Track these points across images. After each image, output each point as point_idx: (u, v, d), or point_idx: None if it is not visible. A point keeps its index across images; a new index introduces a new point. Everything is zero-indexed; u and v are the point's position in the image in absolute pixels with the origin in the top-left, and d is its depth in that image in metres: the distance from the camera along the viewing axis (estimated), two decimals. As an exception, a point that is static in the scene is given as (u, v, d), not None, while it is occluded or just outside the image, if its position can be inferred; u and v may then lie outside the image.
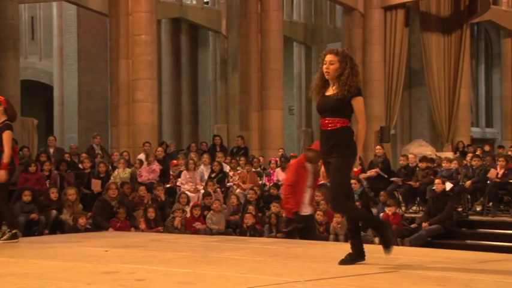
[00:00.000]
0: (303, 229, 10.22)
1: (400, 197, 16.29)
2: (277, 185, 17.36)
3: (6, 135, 10.05)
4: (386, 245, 6.99)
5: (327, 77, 6.67)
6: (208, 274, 6.51)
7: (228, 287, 5.87)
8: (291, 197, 10.23)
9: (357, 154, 6.80)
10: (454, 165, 18.29)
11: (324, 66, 6.60)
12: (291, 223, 10.62)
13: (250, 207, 16.02)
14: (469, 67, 28.35)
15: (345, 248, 11.06)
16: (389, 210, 15.37)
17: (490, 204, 17.00)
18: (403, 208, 15.99)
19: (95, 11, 24.64)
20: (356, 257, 7.01)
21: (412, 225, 15.41)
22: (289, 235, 10.73)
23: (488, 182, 17.13)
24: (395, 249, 9.56)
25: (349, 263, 6.91)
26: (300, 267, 6.78)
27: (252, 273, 6.41)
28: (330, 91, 6.64)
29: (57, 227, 14.66)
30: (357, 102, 6.62)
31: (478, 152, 19.92)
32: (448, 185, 16.16)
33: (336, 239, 14.88)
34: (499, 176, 17.18)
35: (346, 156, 6.65)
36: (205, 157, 18.83)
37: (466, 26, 27.19)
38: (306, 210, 10.26)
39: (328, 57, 6.55)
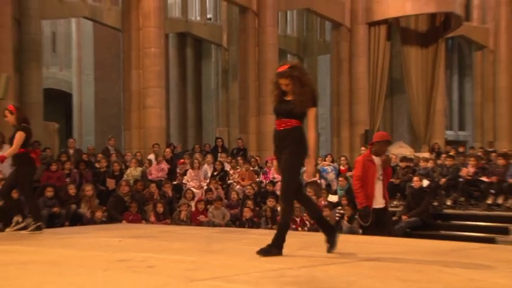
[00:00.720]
0: (377, 223, 9.84)
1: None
2: (272, 182, 17.38)
3: (19, 134, 10.28)
4: (263, 250, 6.78)
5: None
6: (211, 262, 6.55)
7: (230, 274, 5.90)
8: (360, 191, 9.87)
9: (310, 155, 6.83)
10: (430, 164, 18.34)
11: (283, 88, 6.66)
12: (369, 215, 9.99)
13: (249, 202, 16.05)
14: (444, 77, 28.37)
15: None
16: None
17: (462, 199, 17.06)
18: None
19: (109, 27, 24.65)
20: (331, 236, 7.02)
21: (393, 218, 15.43)
22: (366, 230, 10.19)
23: (461, 179, 17.20)
24: (379, 238, 9.60)
25: (333, 245, 6.95)
26: (292, 256, 6.81)
27: (251, 261, 6.44)
28: (289, 97, 6.67)
29: (76, 220, 14.69)
30: (311, 113, 6.70)
31: (451, 153, 19.94)
32: (425, 182, 16.21)
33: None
34: (470, 174, 17.26)
35: (298, 153, 6.69)
36: (209, 157, 18.85)
37: (441, 40, 27.25)
38: (377, 204, 9.90)
39: (282, 81, 6.63)
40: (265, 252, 6.65)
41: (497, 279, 5.48)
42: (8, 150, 10.39)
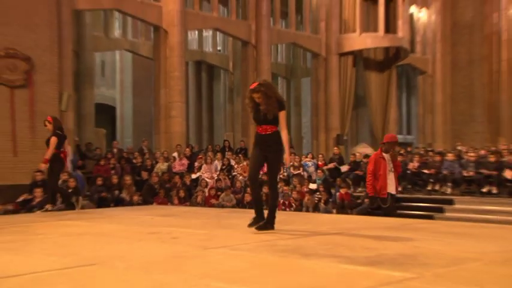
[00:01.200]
0: (387, 208, 9.72)
1: (350, 182, 16.27)
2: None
3: (53, 139, 10.41)
4: (260, 227, 6.69)
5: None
6: (220, 234, 6.56)
7: (234, 243, 5.90)
8: (370, 184, 9.81)
9: (286, 149, 6.81)
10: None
11: (256, 100, 6.65)
12: (374, 202, 10.03)
13: (249, 189, 16.06)
14: (395, 94, 28.35)
15: (310, 216, 11.07)
16: (343, 191, 15.38)
17: (409, 186, 17.08)
18: (352, 189, 15.96)
19: (144, 57, 24.63)
20: (259, 220, 6.81)
21: (358, 201, 15.41)
22: (386, 210, 9.96)
23: (408, 171, 17.20)
24: (346, 216, 9.59)
25: (262, 228, 6.73)
26: (282, 230, 6.81)
27: (250, 234, 6.44)
28: (262, 107, 6.63)
29: (119, 202, 14.68)
30: (281, 115, 6.66)
31: (401, 152, 19.93)
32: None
33: (307, 211, 14.92)
34: (415, 167, 17.26)
35: (280, 151, 6.73)
36: (218, 155, 18.80)
37: (393, 67, 27.25)
38: (391, 190, 9.76)
39: (254, 95, 6.61)
40: (262, 228, 6.62)
41: (434, 246, 5.49)
42: (47, 153, 10.35)
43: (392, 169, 9.68)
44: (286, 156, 6.92)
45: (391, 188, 9.73)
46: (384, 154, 9.61)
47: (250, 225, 6.77)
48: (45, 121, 10.88)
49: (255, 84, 6.81)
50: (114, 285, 3.85)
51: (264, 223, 6.70)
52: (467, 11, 31.13)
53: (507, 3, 30.37)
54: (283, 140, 6.74)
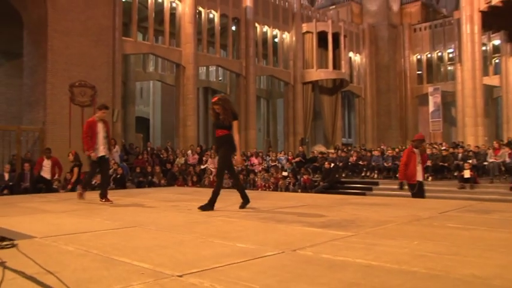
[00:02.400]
0: (415, 193, 8.77)
1: (310, 171, 16.30)
2: (252, 166, 17.37)
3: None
4: (201, 207, 6.10)
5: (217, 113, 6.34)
6: (221, 207, 6.52)
7: (230, 214, 5.89)
8: (402, 172, 8.94)
9: (237, 150, 6.36)
10: (333, 155, 18.42)
11: (216, 110, 6.29)
12: (402, 186, 8.96)
13: (240, 176, 16.03)
14: (341, 111, 28.47)
15: (282, 194, 11.03)
16: (305, 177, 15.43)
17: (350, 173, 17.14)
18: (311, 176, 15.99)
19: (169, 84, 24.55)
20: (244, 202, 6.44)
21: (315, 184, 15.45)
22: (414, 195, 9.35)
23: (349, 163, 17.25)
24: (307, 194, 9.57)
25: (244, 206, 6.38)
26: (262, 203, 6.79)
27: (242, 208, 6.43)
28: (220, 116, 6.25)
29: (151, 184, 14.62)
30: (234, 124, 6.27)
31: (345, 149, 19.99)
32: (332, 164, 16.25)
33: (281, 190, 14.89)
34: (353, 160, 17.33)
35: (229, 150, 6.28)
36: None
37: (339, 92, 27.45)
38: (419, 178, 8.85)
39: (215, 107, 6.28)
40: (203, 208, 6.04)
41: (365, 213, 5.50)
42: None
43: (421, 161, 8.96)
44: (238, 157, 6.54)
45: (420, 176, 8.97)
46: (414, 149, 8.91)
47: (241, 207, 6.36)
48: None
49: (215, 99, 6.49)
50: (148, 241, 3.84)
51: (205, 204, 6.11)
52: (385, 57, 31.48)
53: (409, 53, 31.58)
54: (235, 142, 6.31)
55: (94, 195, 8.44)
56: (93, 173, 8.23)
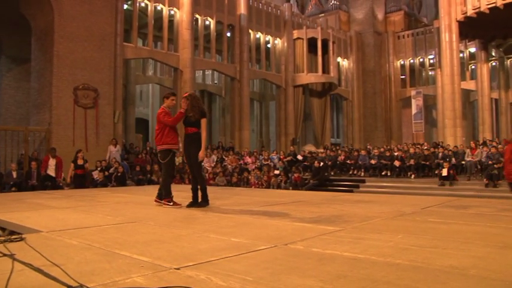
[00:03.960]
0: None
1: (301, 169, 16.31)
2: (246, 164, 17.36)
3: None
4: (197, 204, 5.96)
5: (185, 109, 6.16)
6: (217, 201, 6.50)
7: (227, 207, 5.88)
8: (508, 171, 8.27)
9: (203, 147, 6.03)
10: (323, 154, 18.42)
11: (183, 105, 6.15)
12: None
13: (235, 174, 16.01)
14: (330, 113, 28.49)
15: (274, 191, 11.02)
16: (296, 175, 15.43)
17: (338, 172, 17.15)
18: (302, 174, 16.00)
19: (167, 87, 24.39)
20: (203, 202, 6.03)
21: (305, 181, 15.46)
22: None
23: (338, 162, 17.28)
24: (298, 192, 9.56)
25: (200, 205, 5.98)
26: (255, 200, 6.78)
27: (238, 202, 6.41)
28: (189, 114, 6.08)
29: (150, 182, 14.56)
30: (202, 121, 6.05)
31: (333, 149, 20.03)
32: (321, 163, 16.26)
33: (273, 188, 14.88)
34: (342, 159, 17.36)
35: (198, 148, 5.96)
36: (215, 151, 18.76)
37: (328, 95, 27.42)
38: None
39: (183, 101, 6.14)
40: (199, 205, 5.91)
41: (353, 209, 5.52)
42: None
43: None
44: (202, 152, 6.07)
45: None
46: None
47: (187, 206, 6.01)
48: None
49: (186, 94, 6.31)
50: (147, 235, 3.83)
51: (200, 202, 5.97)
52: (370, 62, 31.53)
53: (393, 59, 31.56)
54: (203, 140, 6.05)
55: (94, 191, 8.40)
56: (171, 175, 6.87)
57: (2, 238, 3.55)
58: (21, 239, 3.55)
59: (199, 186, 6.09)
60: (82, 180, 12.60)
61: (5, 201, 7.20)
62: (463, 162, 15.06)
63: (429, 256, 2.92)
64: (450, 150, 16.66)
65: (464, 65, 28.39)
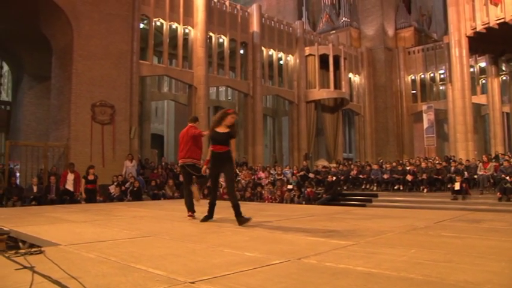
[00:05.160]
0: None
1: (313, 184, 16.18)
2: (259, 179, 17.30)
3: None
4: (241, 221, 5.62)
5: (229, 124, 5.77)
6: (229, 218, 6.49)
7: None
8: None
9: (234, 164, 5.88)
10: (335, 169, 18.29)
11: (231, 118, 5.74)
12: None
13: (248, 189, 15.95)
14: (342, 128, 28.35)
15: (288, 206, 10.94)
16: (309, 189, 15.32)
17: (351, 186, 17.01)
18: (315, 188, 15.88)
19: (182, 104, 24.61)
20: (209, 217, 6.08)
21: (318, 196, 15.34)
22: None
23: (350, 176, 17.15)
24: (311, 206, 9.47)
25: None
26: (268, 215, 6.76)
27: (249, 216, 6.40)
28: (220, 129, 5.75)
29: (165, 197, 14.58)
30: (233, 142, 5.78)
31: (346, 164, 19.87)
32: (334, 178, 16.09)
33: (286, 202, 14.80)
34: (354, 174, 17.22)
35: (232, 165, 5.75)
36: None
37: (340, 110, 27.29)
38: None
39: (233, 116, 5.78)
40: (242, 221, 5.54)
41: (366, 224, 5.46)
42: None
43: None
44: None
45: None
46: None
47: (202, 220, 5.98)
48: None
49: (232, 110, 5.93)
50: (162, 249, 3.83)
51: (243, 217, 5.59)
52: (382, 78, 31.43)
53: (404, 74, 31.39)
54: (233, 157, 5.82)
55: (111, 205, 8.45)
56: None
57: (23, 251, 3.60)
58: (41, 252, 3.58)
59: (231, 204, 5.74)
60: (92, 195, 12.74)
61: (25, 215, 7.28)
62: (476, 176, 14.84)
63: (443, 271, 2.87)
64: (462, 164, 16.43)
65: (475, 80, 28.15)
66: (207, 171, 6.16)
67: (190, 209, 6.61)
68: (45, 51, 17.60)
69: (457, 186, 13.73)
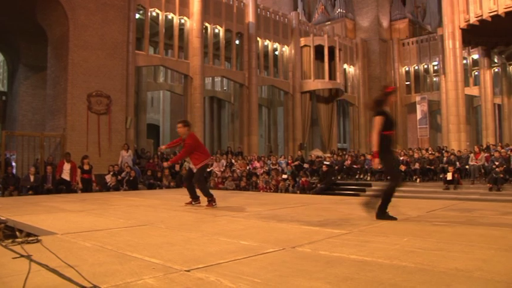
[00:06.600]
0: None
1: (308, 173, 16.22)
2: (254, 169, 17.32)
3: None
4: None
5: (390, 104, 4.95)
6: (225, 207, 6.50)
7: (234, 213, 5.87)
8: None
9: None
10: (329, 159, 18.31)
11: (395, 98, 4.75)
12: None
13: (243, 178, 15.97)
14: (336, 118, 28.37)
15: (282, 195, 10.98)
16: (303, 179, 15.35)
17: (345, 175, 17.05)
18: (309, 178, 15.91)
19: (178, 94, 24.50)
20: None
21: (313, 185, 15.37)
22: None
23: (344, 166, 17.18)
24: (305, 195, 9.50)
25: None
26: (264, 204, 6.77)
27: (246, 208, 6.41)
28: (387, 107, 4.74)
29: (161, 186, 14.58)
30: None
31: (340, 154, 19.90)
32: (328, 168, 16.09)
33: (281, 192, 14.84)
34: (348, 163, 17.25)
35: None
36: (224, 156, 18.75)
37: (335, 101, 27.29)
38: None
39: (395, 96, 4.39)
40: (379, 216, 4.74)
41: (359, 213, 5.49)
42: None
43: None
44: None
45: None
46: None
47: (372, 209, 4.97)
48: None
49: (392, 87, 5.09)
50: (158, 238, 3.83)
51: (380, 213, 4.82)
52: (376, 69, 31.39)
53: (398, 65, 31.37)
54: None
55: (107, 195, 8.44)
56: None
57: (20, 240, 3.59)
58: (38, 241, 3.58)
59: (381, 193, 4.89)
60: (88, 184, 12.72)
61: (22, 204, 7.26)
62: (467, 167, 14.94)
63: (434, 259, 2.90)
64: (454, 154, 16.52)
65: (468, 71, 28.20)
66: (380, 165, 4.96)
67: (210, 195, 6.66)
68: (41, 41, 17.46)
69: (449, 176, 13.83)
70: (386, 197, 4.81)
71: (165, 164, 7.72)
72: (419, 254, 3.04)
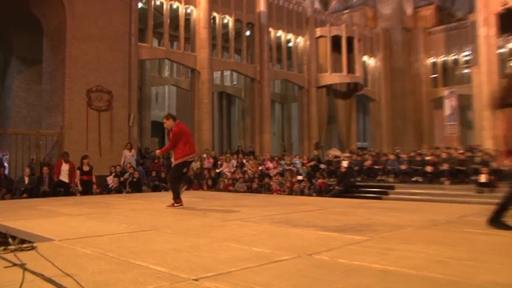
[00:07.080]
0: None
1: (325, 174, 16.15)
2: (267, 170, 17.30)
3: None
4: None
5: None
6: (235, 211, 6.50)
7: (245, 217, 5.86)
8: None
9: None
10: (348, 159, 18.21)
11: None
12: None
13: (255, 180, 15.96)
14: (356, 115, 28.24)
15: (297, 198, 10.97)
16: (320, 180, 15.28)
17: (365, 177, 16.95)
18: (326, 179, 15.84)
19: (184, 89, 24.57)
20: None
21: (330, 187, 15.31)
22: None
23: (364, 167, 17.09)
24: (322, 198, 9.45)
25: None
26: (276, 207, 6.75)
27: (256, 211, 6.40)
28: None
29: (167, 188, 14.63)
30: None
31: (360, 153, 19.81)
32: (347, 168, 16.00)
33: (296, 194, 14.82)
34: (369, 164, 17.15)
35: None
36: (234, 156, 18.77)
37: (353, 96, 27.17)
38: None
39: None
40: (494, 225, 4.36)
41: (381, 218, 5.45)
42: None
43: None
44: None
45: None
46: None
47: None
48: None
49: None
50: (164, 244, 3.84)
51: (496, 222, 4.40)
52: (399, 60, 31.14)
53: (423, 57, 31.07)
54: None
55: (108, 198, 8.50)
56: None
57: (13, 247, 3.60)
58: (33, 248, 3.59)
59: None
60: (88, 186, 12.76)
61: (16, 208, 7.34)
62: (503, 168, 14.72)
63: (468, 270, 2.84)
64: (489, 154, 16.31)
65: (504, 62, 27.81)
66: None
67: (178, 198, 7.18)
68: (35, 32, 17.43)
69: (482, 178, 13.61)
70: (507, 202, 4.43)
71: (157, 152, 8.44)
72: (449, 264, 2.99)
